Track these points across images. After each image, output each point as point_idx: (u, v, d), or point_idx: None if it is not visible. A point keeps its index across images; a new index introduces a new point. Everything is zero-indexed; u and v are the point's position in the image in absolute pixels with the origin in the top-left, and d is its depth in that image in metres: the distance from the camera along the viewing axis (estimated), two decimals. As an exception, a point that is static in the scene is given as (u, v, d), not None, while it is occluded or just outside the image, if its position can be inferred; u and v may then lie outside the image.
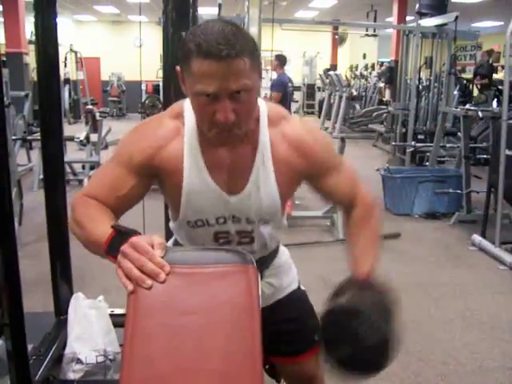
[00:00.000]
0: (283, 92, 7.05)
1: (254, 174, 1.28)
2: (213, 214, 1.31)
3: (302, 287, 1.68)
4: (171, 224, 1.47)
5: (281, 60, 7.53)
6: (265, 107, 1.30)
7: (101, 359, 2.20)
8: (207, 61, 1.06)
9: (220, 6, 7.37)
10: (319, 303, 3.67)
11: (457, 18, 7.06)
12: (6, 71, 7.72)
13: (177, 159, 1.25)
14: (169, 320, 0.97)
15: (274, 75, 7.32)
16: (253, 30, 2.54)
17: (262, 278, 1.50)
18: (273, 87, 7.04)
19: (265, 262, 1.51)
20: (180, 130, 1.27)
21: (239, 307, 0.98)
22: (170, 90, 1.98)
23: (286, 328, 1.59)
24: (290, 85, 7.70)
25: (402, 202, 5.61)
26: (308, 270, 4.06)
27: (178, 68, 1.15)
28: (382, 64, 14.77)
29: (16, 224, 4.41)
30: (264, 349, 1.58)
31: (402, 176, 5.70)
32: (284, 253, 1.63)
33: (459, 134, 5.92)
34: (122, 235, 1.03)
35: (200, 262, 1.04)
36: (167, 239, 1.60)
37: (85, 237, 1.16)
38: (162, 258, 1.00)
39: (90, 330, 2.27)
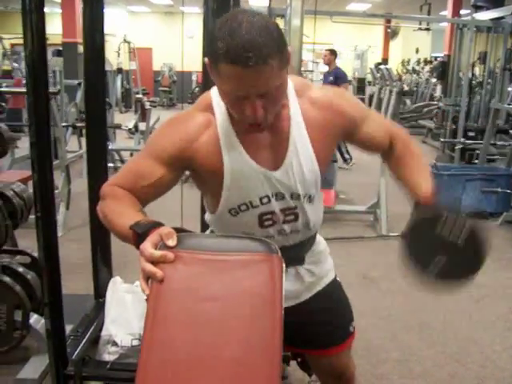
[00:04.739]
0: (342, 83, 7.11)
1: (291, 146, 1.30)
2: (256, 194, 1.32)
3: (338, 278, 1.69)
4: (207, 216, 1.49)
5: (335, 54, 7.51)
6: (290, 81, 1.31)
7: (135, 343, 2.25)
8: (234, 67, 1.07)
9: (270, -3, 7.36)
10: (358, 298, 3.66)
11: (514, 11, 6.82)
12: (60, 60, 7.95)
13: (213, 147, 1.27)
14: (189, 306, 0.98)
15: (323, 67, 7.37)
16: (295, 22, 2.53)
17: (303, 263, 1.52)
18: (339, 79, 7.14)
19: (305, 245, 1.51)
20: (211, 120, 1.29)
21: (261, 296, 0.99)
22: (209, 80, 1.99)
23: (320, 318, 1.60)
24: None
25: (449, 200, 5.46)
26: (349, 265, 4.04)
27: (206, 60, 1.16)
28: (435, 59, 14.42)
29: (63, 208, 4.56)
30: (295, 342, 1.60)
31: (449, 173, 5.57)
32: (321, 241, 1.64)
33: (511, 131, 5.73)
34: (141, 236, 1.06)
35: (224, 249, 1.05)
36: (203, 231, 1.62)
37: (109, 228, 1.23)
38: (175, 246, 1.03)
39: (125, 314, 2.33)
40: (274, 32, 1.11)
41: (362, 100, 15.88)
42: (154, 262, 1.01)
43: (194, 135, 1.28)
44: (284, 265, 1.04)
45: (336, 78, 7.13)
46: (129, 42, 14.05)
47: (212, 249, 1.04)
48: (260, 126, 1.21)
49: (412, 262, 1.26)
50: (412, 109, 12.02)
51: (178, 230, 1.07)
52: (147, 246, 1.03)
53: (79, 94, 8.19)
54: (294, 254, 1.47)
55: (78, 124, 5.90)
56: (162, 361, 0.94)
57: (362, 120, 1.40)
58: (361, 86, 15.92)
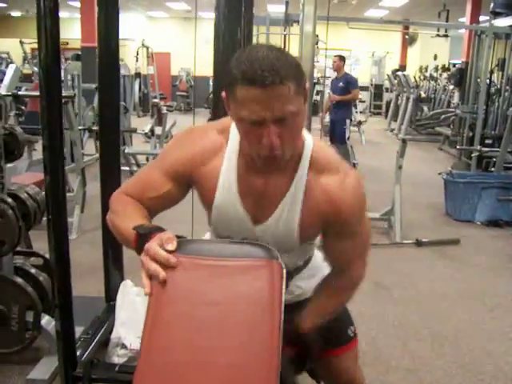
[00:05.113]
0: (352, 89, 7.17)
1: (280, 209, 1.29)
2: (238, 233, 1.34)
3: None
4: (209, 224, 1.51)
5: (344, 60, 7.54)
6: (311, 145, 1.29)
7: (144, 346, 2.26)
8: (252, 88, 1.07)
9: (287, 3, 7.38)
10: (369, 305, 3.63)
11: (533, 18, 6.75)
12: (78, 64, 8.04)
13: (213, 178, 1.30)
14: (189, 310, 0.99)
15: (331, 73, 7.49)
16: (307, 28, 2.53)
17: (291, 280, 1.52)
18: (350, 85, 7.24)
19: (294, 271, 1.53)
20: (223, 147, 1.30)
21: (260, 302, 0.99)
22: (220, 86, 2.01)
23: None
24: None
25: (464, 207, 5.43)
26: (360, 272, 4.02)
27: (223, 93, 1.16)
28: (453, 65, 14.32)
29: (78, 211, 4.60)
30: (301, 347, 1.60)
31: (464, 181, 5.52)
32: (316, 259, 1.63)
33: (529, 139, 5.67)
34: (143, 237, 1.09)
35: (224, 254, 1.06)
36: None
37: (116, 233, 1.26)
38: (175, 251, 1.04)
39: (135, 317, 2.34)
40: (292, 60, 1.12)
41: (379, 106, 15.86)
42: (157, 262, 1.03)
43: (202, 160, 1.30)
44: (285, 271, 1.04)
45: (347, 83, 7.21)
46: (147, 47, 14.16)
47: (212, 254, 1.05)
48: (275, 158, 1.16)
49: None
50: (429, 116, 11.96)
51: (180, 237, 1.09)
52: (153, 245, 1.05)
53: (96, 98, 8.29)
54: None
55: (94, 127, 5.95)
56: (160, 364, 0.95)
57: (346, 234, 1.33)
58: (378, 92, 15.89)
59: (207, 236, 1.59)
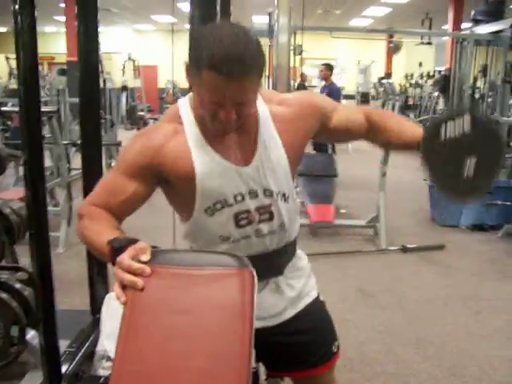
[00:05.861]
0: (336, 100, 7.15)
1: (260, 142, 1.35)
2: (230, 192, 1.34)
3: (321, 297, 1.65)
4: (183, 228, 1.47)
5: (331, 69, 7.57)
6: None
7: (129, 358, 2.27)
8: (217, 76, 1.11)
9: (270, 14, 7.45)
10: (355, 312, 3.66)
11: (513, 24, 6.87)
12: (63, 79, 8.05)
13: (182, 152, 1.30)
14: (161, 318, 1.01)
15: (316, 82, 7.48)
16: (282, 39, 2.57)
17: (282, 273, 1.50)
18: (332, 96, 7.08)
19: (284, 254, 1.50)
20: (178, 128, 1.33)
21: (231, 309, 1.01)
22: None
23: (302, 339, 1.56)
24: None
25: (449, 212, 5.48)
26: (346, 279, 4.06)
27: (186, 62, 1.20)
28: (439, 72, 14.46)
29: (65, 225, 4.61)
30: (279, 365, 1.59)
31: (449, 186, 5.57)
32: (303, 257, 1.63)
33: None
34: (118, 251, 1.10)
35: (197, 263, 1.08)
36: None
37: (89, 246, 1.27)
38: (149, 261, 1.06)
39: (120, 329, 2.34)
40: (257, 46, 1.18)
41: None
42: (131, 273, 1.05)
43: (160, 142, 1.31)
44: (256, 279, 1.06)
45: (329, 94, 7.11)
46: (133, 60, 14.20)
47: (185, 263, 1.07)
48: (231, 129, 1.27)
49: (445, 180, 1.29)
50: (416, 122, 12.05)
51: (153, 248, 1.11)
52: (125, 258, 1.06)
53: (83, 112, 8.31)
54: (273, 263, 1.47)
55: (79, 141, 5.95)
56: (134, 372, 0.96)
57: (334, 108, 1.46)
58: (364, 100, 16.00)
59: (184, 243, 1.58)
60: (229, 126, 1.24)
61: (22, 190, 4.69)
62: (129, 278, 1.04)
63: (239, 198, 1.35)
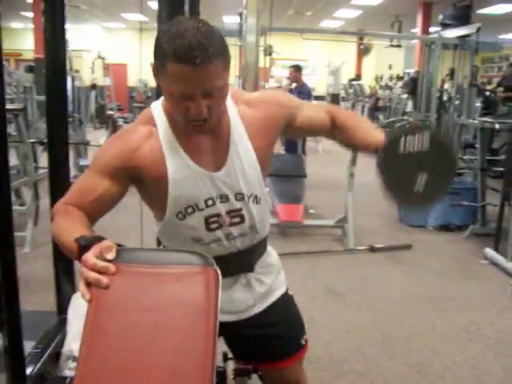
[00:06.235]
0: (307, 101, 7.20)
1: (232, 147, 1.37)
2: (201, 196, 1.36)
3: (290, 292, 1.70)
4: (156, 227, 1.50)
5: (300, 70, 7.60)
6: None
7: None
8: (182, 66, 1.13)
9: (241, 14, 7.46)
10: (322, 311, 3.68)
11: (479, 29, 6.99)
12: (30, 76, 7.92)
13: (156, 155, 1.32)
14: (125, 317, 1.01)
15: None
16: (250, 39, 2.58)
17: (252, 270, 1.54)
18: (300, 95, 7.13)
19: (255, 252, 1.53)
20: (153, 131, 1.34)
21: (194, 307, 1.02)
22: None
23: (272, 332, 1.61)
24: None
25: (416, 213, 5.57)
26: (314, 279, 4.09)
27: (152, 62, 1.21)
28: (408, 74, 14.66)
29: (31, 225, 4.53)
30: (247, 356, 1.63)
31: (416, 187, 5.66)
32: (273, 253, 1.67)
33: (477, 146, 5.86)
34: (84, 248, 1.09)
35: (161, 262, 1.08)
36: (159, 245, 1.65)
37: (59, 244, 1.25)
38: (114, 259, 1.06)
39: (87, 330, 2.32)
40: (218, 35, 1.20)
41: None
42: (96, 271, 1.04)
43: (135, 145, 1.32)
44: (220, 277, 1.07)
45: (298, 94, 7.16)
46: (103, 58, 14.04)
47: (150, 262, 1.07)
48: (203, 127, 1.26)
49: (396, 191, 1.33)
50: (385, 124, 12.21)
51: (119, 246, 1.10)
52: (90, 256, 1.06)
53: (51, 110, 8.18)
54: (243, 261, 1.50)
55: (46, 140, 5.87)
56: (98, 371, 0.96)
57: (299, 106, 1.50)
58: (334, 101, 16.11)
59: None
60: (202, 120, 1.23)
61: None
62: (93, 276, 1.04)
63: (210, 202, 1.38)
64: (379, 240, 4.98)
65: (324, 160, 9.35)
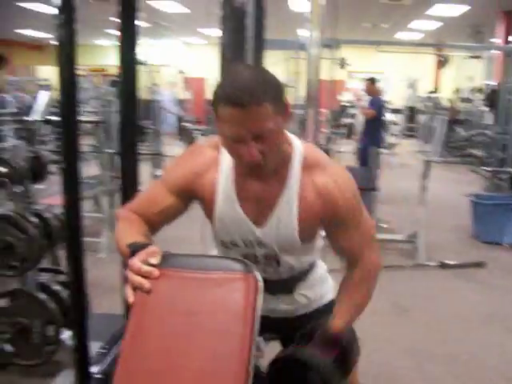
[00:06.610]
0: (378, 114, 7.18)
1: (277, 210, 1.38)
2: (240, 237, 1.44)
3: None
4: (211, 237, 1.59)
5: (374, 82, 7.57)
6: (301, 148, 1.39)
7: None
8: (231, 108, 1.17)
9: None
10: (385, 326, 3.61)
11: None
12: (112, 90, 8.29)
13: (212, 187, 1.40)
14: (166, 319, 1.07)
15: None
16: (313, 52, 2.61)
17: (291, 293, 1.59)
18: (371, 105, 7.30)
19: (298, 278, 1.58)
20: (217, 159, 1.41)
21: (234, 312, 1.06)
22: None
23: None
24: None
25: (492, 229, 5.36)
26: (381, 293, 3.97)
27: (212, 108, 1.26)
28: (489, 86, 14.13)
29: (108, 232, 4.75)
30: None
31: (492, 202, 5.46)
32: (320, 267, 1.69)
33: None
34: (133, 254, 1.18)
35: (204, 267, 1.14)
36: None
37: (118, 250, 1.34)
38: (160, 264, 1.14)
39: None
40: (272, 80, 1.23)
41: (412, 129, 15.75)
42: (141, 275, 1.12)
43: (200, 170, 1.41)
44: (261, 284, 1.11)
45: (370, 105, 7.29)
46: (183, 72, 14.49)
47: (193, 267, 1.14)
48: (257, 168, 1.28)
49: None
50: (464, 137, 11.85)
51: (166, 252, 1.18)
52: (136, 261, 1.14)
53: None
54: (283, 286, 1.57)
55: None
56: (137, 369, 1.03)
57: (346, 224, 1.39)
58: (412, 114, 15.80)
59: (214, 253, 1.67)
60: (255, 163, 1.24)
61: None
62: (137, 279, 1.12)
63: (248, 243, 1.45)
64: (451, 256, 4.84)
65: (401, 174, 9.19)
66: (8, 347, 2.62)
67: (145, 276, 1.12)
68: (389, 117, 12.66)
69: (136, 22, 2.57)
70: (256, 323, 1.06)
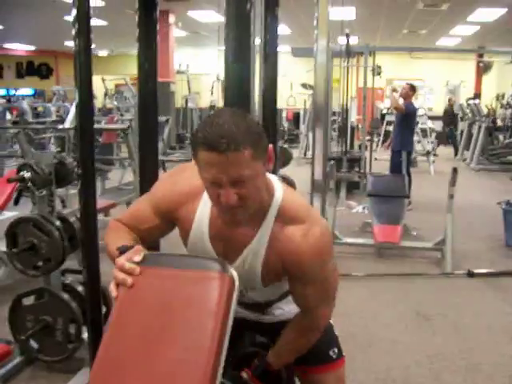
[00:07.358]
0: (409, 118, 7.16)
1: (244, 254, 1.41)
2: None
3: None
4: None
5: (414, 90, 7.51)
6: (280, 197, 1.38)
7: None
8: (209, 153, 1.18)
9: (347, 35, 7.53)
10: (406, 334, 3.58)
11: None
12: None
13: (189, 220, 1.44)
14: (145, 313, 1.17)
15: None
16: (320, 60, 2.63)
17: (263, 313, 1.66)
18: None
19: (272, 301, 1.64)
20: (201, 192, 1.40)
21: (207, 308, 1.15)
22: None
23: None
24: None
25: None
26: (405, 301, 4.01)
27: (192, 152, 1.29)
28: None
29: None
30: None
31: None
32: None
33: None
34: (121, 254, 1.27)
35: (183, 266, 1.23)
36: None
37: (107, 254, 1.42)
38: (141, 261, 1.22)
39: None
40: (253, 127, 1.23)
41: (454, 136, 15.48)
42: (124, 272, 1.22)
43: (183, 201, 1.44)
44: (237, 283, 1.19)
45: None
46: (221, 80, 14.67)
47: (173, 265, 1.23)
48: (233, 214, 1.29)
49: None
50: (504, 144, 11.62)
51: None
52: (121, 259, 1.24)
53: (166, 130, 8.78)
54: (255, 307, 1.64)
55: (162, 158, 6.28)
56: (114, 358, 1.14)
57: (306, 281, 1.40)
58: (451, 121, 15.53)
59: None
60: (231, 208, 1.25)
61: (105, 201, 5.07)
62: (121, 276, 1.21)
63: None
64: (481, 265, 4.77)
65: (434, 181, 9.06)
66: (33, 343, 2.76)
67: (128, 273, 1.21)
68: (429, 124, 12.53)
69: (155, 31, 2.66)
70: (229, 319, 1.15)
